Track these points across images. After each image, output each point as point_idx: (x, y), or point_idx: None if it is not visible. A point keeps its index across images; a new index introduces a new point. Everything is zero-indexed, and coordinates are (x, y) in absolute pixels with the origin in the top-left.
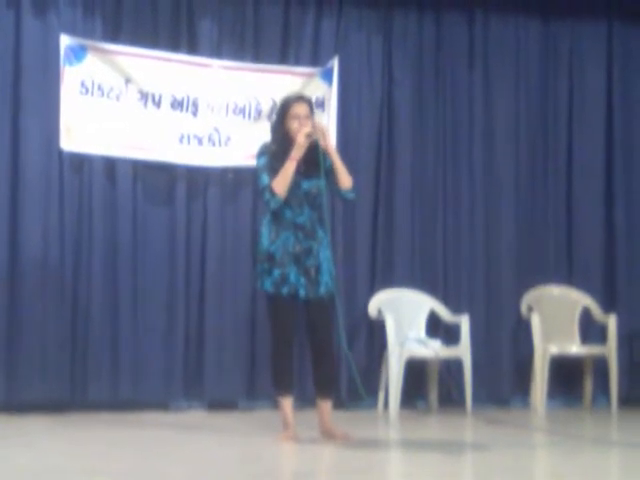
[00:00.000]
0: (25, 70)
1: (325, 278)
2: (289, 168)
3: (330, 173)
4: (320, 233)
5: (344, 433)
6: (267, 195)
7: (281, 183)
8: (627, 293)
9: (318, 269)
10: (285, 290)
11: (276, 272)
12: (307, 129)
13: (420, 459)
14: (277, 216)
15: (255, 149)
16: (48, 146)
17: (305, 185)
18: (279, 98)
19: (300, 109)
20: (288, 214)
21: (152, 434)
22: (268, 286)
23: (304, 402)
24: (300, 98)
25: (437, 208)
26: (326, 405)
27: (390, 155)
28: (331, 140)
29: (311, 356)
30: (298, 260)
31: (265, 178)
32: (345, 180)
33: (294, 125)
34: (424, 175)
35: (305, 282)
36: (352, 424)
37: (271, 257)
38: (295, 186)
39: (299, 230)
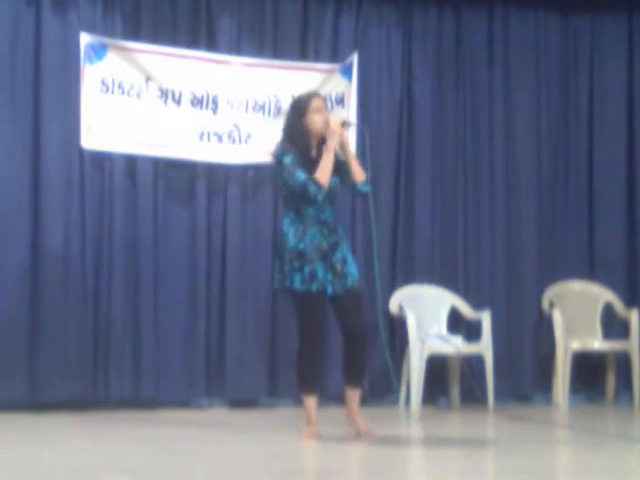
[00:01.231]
0: (45, 69)
1: (352, 270)
2: (329, 158)
3: (343, 168)
4: (340, 229)
5: (368, 429)
6: (312, 188)
7: (326, 174)
8: None
9: (345, 262)
10: (314, 287)
11: (306, 269)
12: (341, 118)
13: (442, 456)
14: (301, 214)
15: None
16: (69, 145)
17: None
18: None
19: (319, 103)
20: (311, 211)
21: (173, 432)
22: (298, 284)
23: (326, 399)
24: (316, 94)
25: (458, 204)
26: (355, 394)
27: (410, 151)
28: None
29: (344, 346)
30: (325, 256)
31: (301, 174)
32: (358, 174)
33: (317, 118)
34: (444, 171)
35: (332, 278)
36: (374, 421)
37: (300, 254)
38: None
39: (324, 226)
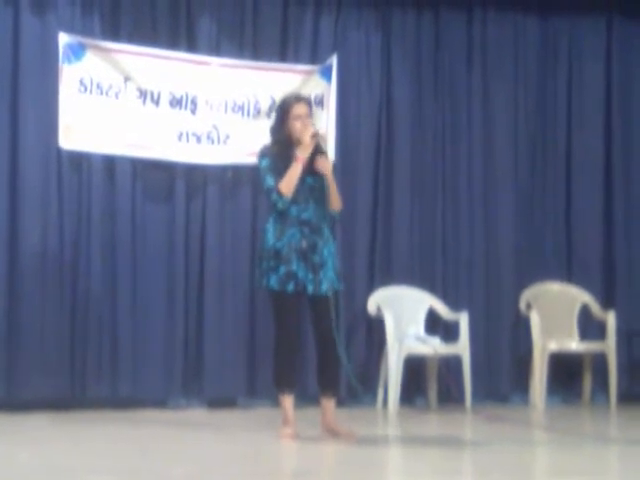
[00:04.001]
0: (24, 68)
1: (329, 275)
2: (296, 169)
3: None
4: (326, 230)
5: (348, 431)
6: (274, 196)
7: (288, 184)
8: (626, 290)
9: (322, 266)
10: (290, 287)
11: (282, 269)
12: (313, 129)
13: (419, 456)
14: (283, 213)
15: (254, 147)
16: (47, 144)
17: (309, 180)
18: (278, 96)
19: (301, 109)
20: (294, 211)
21: (151, 432)
22: (274, 283)
23: (305, 400)
24: (299, 98)
25: (436, 205)
26: (330, 404)
27: (389, 152)
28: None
29: (317, 354)
30: (305, 256)
31: (270, 180)
32: (335, 203)
33: (297, 125)
34: (423, 172)
35: (313, 277)
36: (351, 422)
37: (277, 254)
38: (300, 182)
39: (305, 226)
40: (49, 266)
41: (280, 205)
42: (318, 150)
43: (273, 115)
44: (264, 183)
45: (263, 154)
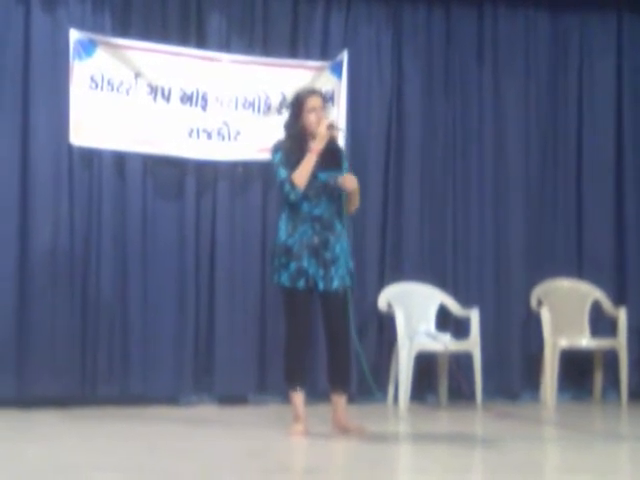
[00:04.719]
0: (35, 65)
1: (341, 272)
2: (310, 160)
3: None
4: (338, 226)
5: (359, 426)
6: (287, 187)
7: (302, 175)
8: (637, 286)
9: (333, 262)
10: (301, 284)
11: (293, 265)
12: (328, 120)
13: (430, 453)
14: (295, 210)
15: (265, 143)
16: (58, 141)
17: (322, 176)
18: (289, 92)
19: (315, 102)
20: (305, 207)
21: (162, 429)
22: (285, 280)
23: (315, 396)
24: (313, 91)
25: (447, 201)
26: (341, 400)
27: (399, 149)
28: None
29: (327, 350)
30: (316, 252)
31: (282, 172)
32: (352, 207)
33: (312, 118)
34: (434, 169)
35: (324, 274)
36: (362, 418)
37: (288, 250)
38: (312, 178)
39: (316, 222)
40: (59, 263)
41: (292, 197)
42: (332, 142)
43: (285, 111)
44: (277, 176)
45: (276, 148)
